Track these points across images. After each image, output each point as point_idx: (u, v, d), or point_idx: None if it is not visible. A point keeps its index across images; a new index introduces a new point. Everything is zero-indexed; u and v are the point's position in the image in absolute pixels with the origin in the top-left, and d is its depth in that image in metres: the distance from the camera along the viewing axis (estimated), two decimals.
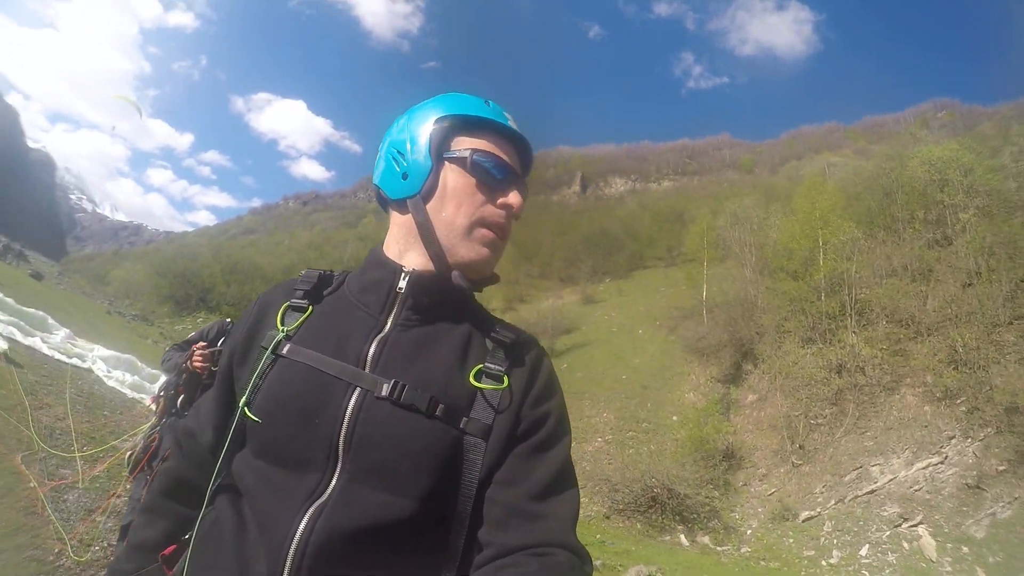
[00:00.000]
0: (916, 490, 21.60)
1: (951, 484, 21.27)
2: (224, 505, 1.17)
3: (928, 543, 19.16)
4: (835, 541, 20.92)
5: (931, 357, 26.10)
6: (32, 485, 5.26)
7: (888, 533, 20.33)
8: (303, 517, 1.05)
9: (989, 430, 22.16)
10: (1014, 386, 22.24)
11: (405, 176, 1.25)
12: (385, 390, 1.13)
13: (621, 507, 23.15)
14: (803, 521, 22.50)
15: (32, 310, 12.06)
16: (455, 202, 1.22)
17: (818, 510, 22.73)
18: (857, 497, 22.55)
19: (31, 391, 7.20)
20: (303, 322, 1.26)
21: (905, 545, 19.63)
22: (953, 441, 22.79)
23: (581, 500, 1.19)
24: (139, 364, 16.19)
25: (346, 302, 1.30)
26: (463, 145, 1.24)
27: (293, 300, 1.30)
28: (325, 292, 1.33)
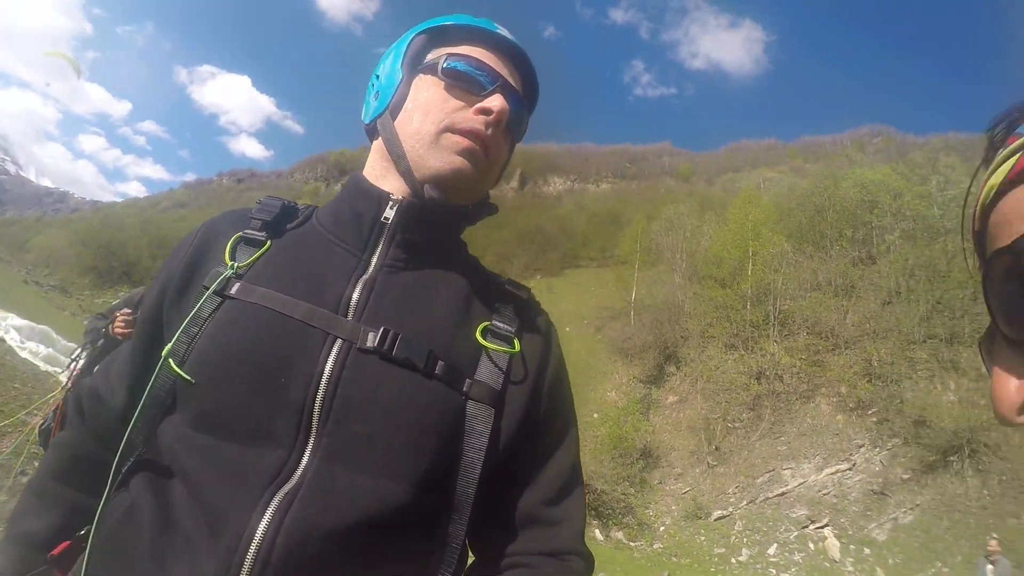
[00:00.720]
0: (824, 494, 22.60)
1: (857, 489, 22.34)
2: (141, 491, 0.92)
3: (833, 544, 20.12)
4: (745, 540, 21.47)
5: (847, 369, 27.25)
6: None
7: (795, 534, 21.13)
8: (266, 509, 0.81)
9: (897, 441, 23.41)
10: (923, 401, 23.67)
11: (377, 95, 1.09)
12: (371, 340, 0.91)
13: None
14: (715, 520, 23.03)
15: None
16: (423, 110, 1.03)
17: (730, 510, 23.31)
18: (768, 499, 23.27)
19: None
20: (259, 258, 1.02)
21: (811, 545, 20.47)
22: (862, 449, 23.87)
23: None
24: (55, 336, 15.01)
25: (317, 236, 1.07)
26: (439, 54, 1.07)
27: (247, 231, 1.05)
28: (288, 226, 1.10)
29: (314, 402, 0.88)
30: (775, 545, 20.77)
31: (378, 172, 1.10)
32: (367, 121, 1.13)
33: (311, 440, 0.87)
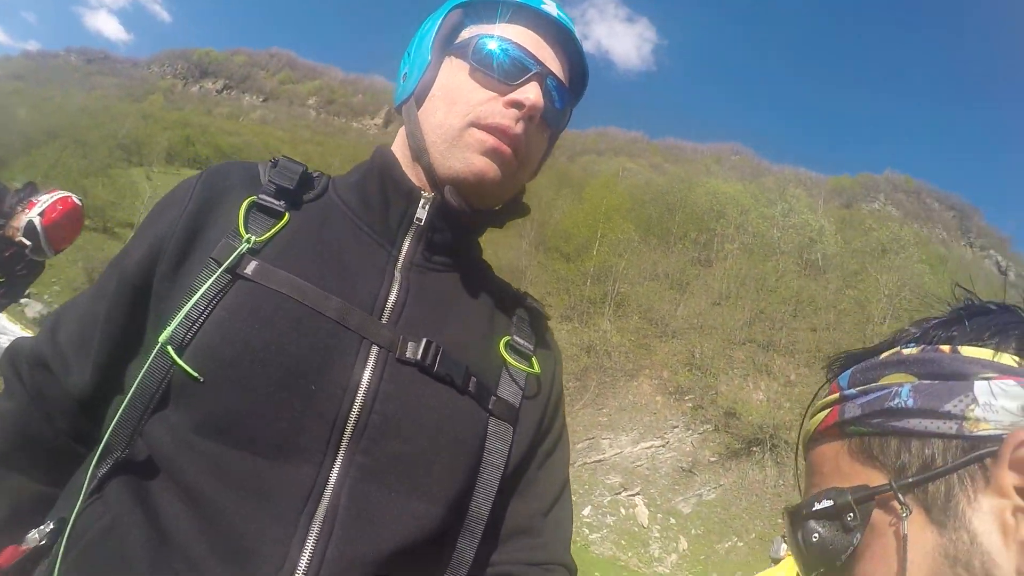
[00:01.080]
0: (638, 465, 24.50)
1: (668, 465, 24.62)
2: (125, 501, 0.79)
3: (642, 511, 21.86)
4: None
5: (671, 356, 29.70)
6: None
7: (609, 499, 22.64)
8: (306, 538, 0.75)
9: (708, 427, 26.00)
10: (735, 395, 26.58)
11: (405, 77, 1.00)
12: (412, 352, 0.85)
13: None
14: None
15: None
16: (448, 100, 0.94)
17: None
18: (585, 464, 24.67)
19: None
20: (278, 233, 0.90)
21: (622, 511, 22.05)
22: (676, 430, 26.25)
23: None
24: None
25: (341, 216, 0.97)
26: (473, 33, 0.97)
27: (262, 196, 0.92)
28: (305, 197, 0.97)
29: (348, 415, 0.80)
30: (589, 507, 22.07)
31: (403, 159, 0.99)
32: (395, 105, 1.02)
33: (340, 456, 0.80)
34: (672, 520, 21.51)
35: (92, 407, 0.89)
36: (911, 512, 0.51)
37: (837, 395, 0.61)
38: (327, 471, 0.78)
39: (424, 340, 0.86)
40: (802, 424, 0.67)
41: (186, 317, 0.80)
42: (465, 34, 0.97)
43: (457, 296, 0.98)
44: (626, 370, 29.20)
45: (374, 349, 0.84)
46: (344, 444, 0.79)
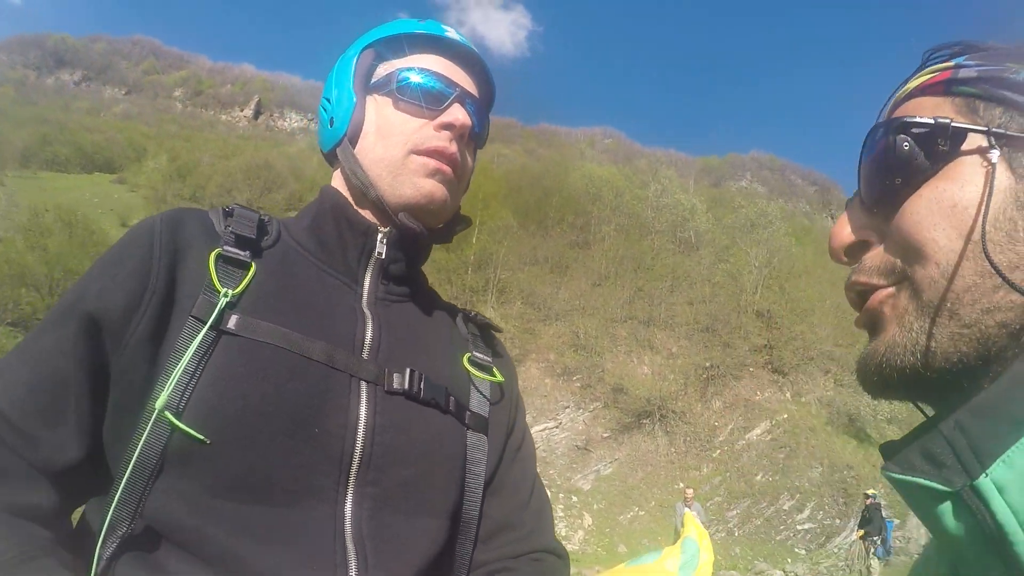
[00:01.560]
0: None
1: (564, 445, 25.35)
2: None
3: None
4: None
5: (556, 338, 30.44)
6: None
7: None
8: (348, 573, 0.80)
9: (598, 404, 27.01)
10: (621, 371, 27.76)
11: (332, 122, 1.04)
12: (398, 382, 0.92)
13: None
14: None
15: None
16: (383, 135, 1.00)
17: None
18: None
19: None
20: (249, 283, 0.91)
21: None
22: (568, 410, 27.00)
23: None
24: None
25: (302, 261, 1.00)
26: (390, 68, 1.03)
27: (226, 248, 0.92)
28: (263, 244, 0.98)
29: (352, 451, 0.85)
30: None
31: (349, 198, 1.04)
32: (326, 151, 1.08)
33: (350, 490, 0.85)
34: (574, 498, 22.18)
35: (74, 479, 0.82)
36: (1000, 157, 0.53)
37: (951, 63, 0.61)
38: (342, 507, 0.82)
39: (408, 370, 0.92)
40: (888, 100, 0.67)
41: (175, 382, 0.78)
42: (381, 71, 1.02)
43: (419, 323, 1.04)
44: (513, 356, 29.12)
45: (363, 385, 0.88)
46: (352, 478, 0.84)
